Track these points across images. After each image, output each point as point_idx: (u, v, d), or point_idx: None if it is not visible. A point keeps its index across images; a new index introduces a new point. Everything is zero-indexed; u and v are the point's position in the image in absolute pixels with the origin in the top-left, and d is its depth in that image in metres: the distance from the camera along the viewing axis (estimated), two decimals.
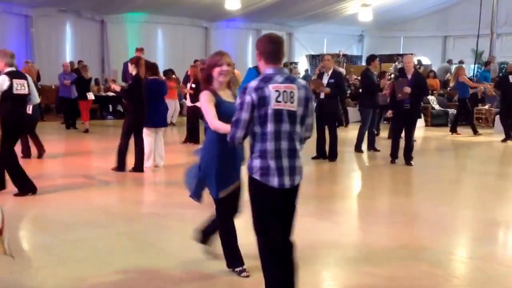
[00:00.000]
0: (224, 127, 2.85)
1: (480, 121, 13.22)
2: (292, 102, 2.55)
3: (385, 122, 11.63)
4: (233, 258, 3.25)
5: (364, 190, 5.82)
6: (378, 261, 3.61)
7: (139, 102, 6.55)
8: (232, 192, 3.19)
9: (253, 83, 2.57)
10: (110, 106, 14.31)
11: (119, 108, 14.07)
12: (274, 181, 2.55)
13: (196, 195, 3.24)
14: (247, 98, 2.52)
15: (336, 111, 7.94)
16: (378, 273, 3.37)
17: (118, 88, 7.84)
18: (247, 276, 3.19)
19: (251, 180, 2.61)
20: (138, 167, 6.62)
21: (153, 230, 4.29)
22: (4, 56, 5.08)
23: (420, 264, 3.56)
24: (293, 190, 2.64)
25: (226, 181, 3.15)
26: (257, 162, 2.57)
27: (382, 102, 9.23)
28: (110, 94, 14.08)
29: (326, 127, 7.73)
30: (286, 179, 2.56)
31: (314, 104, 8.66)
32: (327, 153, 7.74)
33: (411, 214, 4.93)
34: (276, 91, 2.53)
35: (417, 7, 19.25)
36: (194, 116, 8.98)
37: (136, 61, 6.66)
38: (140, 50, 9.47)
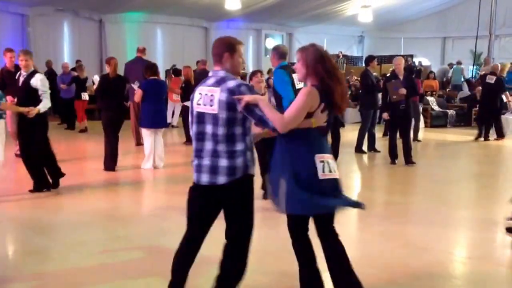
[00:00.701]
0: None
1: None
2: (211, 105, 2.55)
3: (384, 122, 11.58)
4: None
5: (364, 191, 5.84)
6: (377, 261, 3.60)
7: (108, 101, 6.69)
8: None
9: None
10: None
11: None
12: (194, 177, 2.63)
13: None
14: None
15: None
16: (377, 273, 3.36)
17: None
18: None
19: None
20: (108, 166, 6.64)
21: (153, 232, 4.24)
22: None
23: (420, 264, 3.55)
24: (218, 189, 2.56)
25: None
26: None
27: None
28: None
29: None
30: (204, 176, 2.57)
31: None
32: None
33: (411, 214, 4.93)
34: (199, 93, 2.60)
35: (416, 8, 19.29)
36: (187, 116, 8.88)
37: (107, 60, 7.00)
38: (141, 50, 9.29)
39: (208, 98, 2.55)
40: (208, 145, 2.57)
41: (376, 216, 4.87)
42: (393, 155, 7.56)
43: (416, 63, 17.19)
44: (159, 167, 7.00)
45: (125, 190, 6.02)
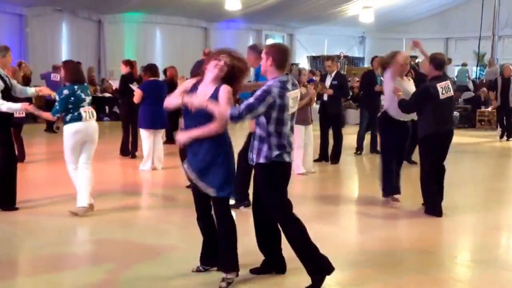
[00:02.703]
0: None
1: (483, 123, 13.07)
2: (295, 106, 3.11)
3: None
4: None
5: (366, 192, 5.77)
6: (380, 265, 3.55)
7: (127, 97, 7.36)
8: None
9: (275, 89, 2.95)
10: (107, 107, 14.08)
11: (115, 109, 13.83)
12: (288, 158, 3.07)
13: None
14: (270, 100, 2.93)
15: (339, 113, 7.89)
16: (380, 277, 3.31)
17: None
18: None
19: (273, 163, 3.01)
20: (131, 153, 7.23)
21: (151, 234, 4.20)
22: None
23: (424, 268, 3.51)
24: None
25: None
26: (276, 152, 3.00)
27: None
28: (107, 95, 13.86)
29: (331, 128, 7.63)
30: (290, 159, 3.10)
31: (317, 106, 8.58)
32: (329, 155, 7.62)
33: (414, 217, 4.83)
34: (292, 98, 3.03)
35: (418, 9, 19.21)
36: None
37: (127, 62, 7.94)
38: (206, 54, 8.67)
39: (295, 100, 3.12)
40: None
41: (378, 218, 4.81)
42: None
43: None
44: (158, 169, 6.86)
45: (123, 192, 5.91)
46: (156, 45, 16.73)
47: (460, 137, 11.11)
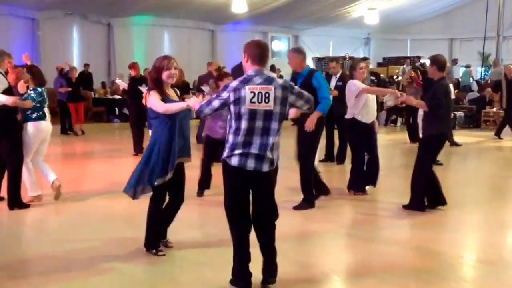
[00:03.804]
0: (180, 104, 3.43)
1: (488, 123, 13.15)
2: (267, 102, 2.88)
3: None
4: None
5: (372, 193, 5.77)
6: (387, 265, 3.58)
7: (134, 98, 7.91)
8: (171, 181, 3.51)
9: (234, 83, 2.93)
10: (116, 109, 14.32)
11: (125, 111, 14.08)
12: (236, 162, 2.92)
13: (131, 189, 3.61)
14: (224, 95, 2.93)
15: (344, 114, 7.90)
16: (387, 278, 3.34)
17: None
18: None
19: (223, 164, 2.98)
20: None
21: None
22: None
23: (431, 268, 3.53)
24: (261, 175, 2.95)
25: (165, 170, 3.47)
26: (227, 152, 2.94)
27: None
28: (116, 97, 14.10)
29: (336, 130, 7.71)
30: (251, 162, 2.91)
31: None
32: (335, 155, 7.72)
33: (420, 217, 4.86)
34: (251, 92, 2.87)
35: (423, 10, 19.22)
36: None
37: (131, 65, 8.59)
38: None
39: (262, 96, 2.87)
40: (261, 139, 2.93)
41: (384, 219, 4.86)
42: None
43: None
44: None
45: None
46: (164, 47, 16.94)
47: (465, 137, 11.21)
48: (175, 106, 3.44)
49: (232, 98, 2.87)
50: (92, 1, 13.96)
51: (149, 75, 3.76)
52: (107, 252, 3.76)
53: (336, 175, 7.21)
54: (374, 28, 19.83)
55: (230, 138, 2.93)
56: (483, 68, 17.53)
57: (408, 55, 17.69)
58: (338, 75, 7.77)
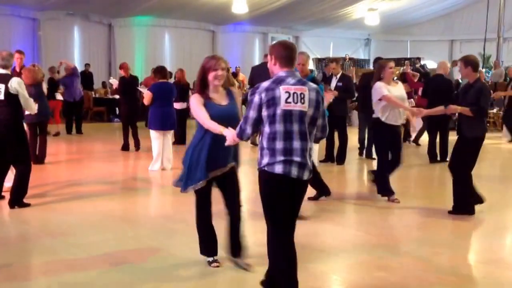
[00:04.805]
0: (216, 127, 3.09)
1: (488, 124, 13.16)
2: (303, 103, 2.69)
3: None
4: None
5: (372, 193, 5.78)
6: (388, 265, 3.59)
7: (126, 96, 8.74)
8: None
9: (265, 84, 2.72)
10: (117, 109, 14.34)
11: None
12: (280, 169, 2.67)
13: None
14: (255, 98, 2.69)
15: (345, 114, 7.94)
16: (389, 278, 3.36)
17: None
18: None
19: (261, 172, 2.74)
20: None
21: (161, 234, 4.26)
22: None
23: (432, 269, 3.54)
24: (302, 183, 2.75)
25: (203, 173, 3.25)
26: (266, 159, 2.70)
27: None
28: (117, 97, 14.11)
29: (336, 130, 7.70)
30: (294, 169, 2.68)
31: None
32: (335, 156, 7.75)
33: (422, 217, 4.89)
34: (286, 92, 2.67)
35: (423, 11, 19.25)
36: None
37: (121, 65, 9.02)
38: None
39: (298, 96, 2.68)
40: (301, 144, 2.71)
41: (385, 219, 4.87)
42: (432, 155, 7.89)
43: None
44: (167, 169, 7.06)
45: (133, 191, 6.06)
46: (165, 48, 17.00)
47: None
48: (212, 127, 3.11)
49: (265, 99, 2.64)
50: (93, 1, 14.00)
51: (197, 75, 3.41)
52: (107, 252, 3.76)
53: (336, 176, 7.23)
54: (374, 29, 19.86)
55: (266, 144, 2.68)
56: (484, 70, 17.53)
57: (409, 57, 17.72)
58: (338, 76, 7.81)
